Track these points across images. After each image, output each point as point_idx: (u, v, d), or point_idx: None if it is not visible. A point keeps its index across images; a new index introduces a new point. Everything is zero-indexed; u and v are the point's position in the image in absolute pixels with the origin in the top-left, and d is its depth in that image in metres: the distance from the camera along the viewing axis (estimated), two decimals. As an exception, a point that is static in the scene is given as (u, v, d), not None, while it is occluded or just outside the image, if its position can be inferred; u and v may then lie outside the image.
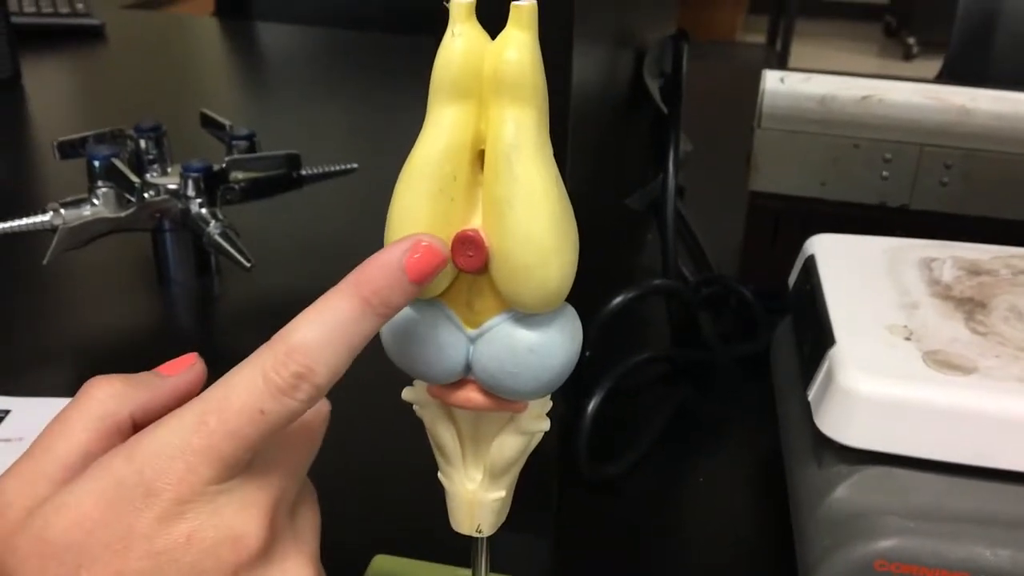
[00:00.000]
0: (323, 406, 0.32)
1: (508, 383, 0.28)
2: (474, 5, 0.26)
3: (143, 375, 0.31)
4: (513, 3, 0.25)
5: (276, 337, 0.27)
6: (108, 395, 0.29)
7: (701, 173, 0.72)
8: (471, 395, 0.29)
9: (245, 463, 0.28)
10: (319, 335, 0.27)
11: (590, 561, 0.48)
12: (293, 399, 0.27)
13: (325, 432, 0.32)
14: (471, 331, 0.29)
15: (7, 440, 0.53)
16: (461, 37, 0.26)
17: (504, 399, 0.29)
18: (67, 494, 0.27)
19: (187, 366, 0.31)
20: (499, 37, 0.26)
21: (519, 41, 0.26)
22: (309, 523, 0.31)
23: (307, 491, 0.32)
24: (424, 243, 0.27)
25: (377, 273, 0.27)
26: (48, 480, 0.28)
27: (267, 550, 0.28)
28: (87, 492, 0.27)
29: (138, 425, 0.29)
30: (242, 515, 0.27)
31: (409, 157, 0.27)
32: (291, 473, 0.30)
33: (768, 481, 0.52)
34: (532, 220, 0.26)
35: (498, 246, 0.27)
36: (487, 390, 0.29)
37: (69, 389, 0.57)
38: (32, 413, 0.55)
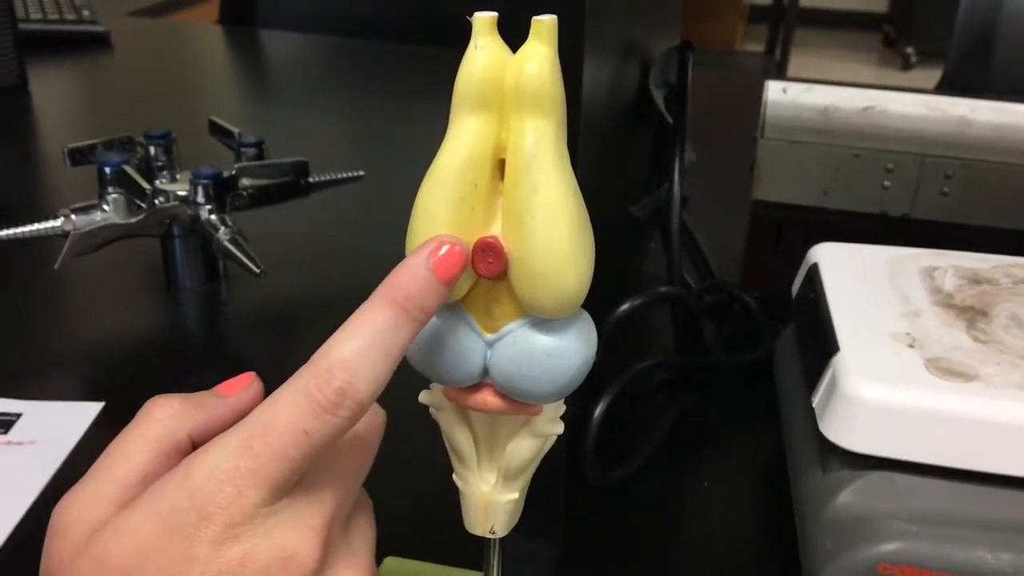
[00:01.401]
0: (376, 416, 0.32)
1: (525, 387, 0.29)
2: (496, 19, 0.27)
3: (201, 395, 0.31)
4: (534, 18, 0.26)
5: (316, 355, 0.28)
6: (168, 415, 0.30)
7: (703, 182, 0.73)
8: (488, 398, 0.30)
9: (294, 483, 0.28)
10: (358, 349, 0.27)
11: (596, 564, 0.48)
12: (336, 416, 0.27)
13: (380, 443, 0.32)
14: (489, 336, 0.29)
15: (19, 443, 0.53)
16: (484, 50, 0.27)
17: (520, 402, 0.30)
18: (126, 518, 0.27)
19: (244, 386, 0.32)
20: (520, 50, 0.27)
21: (540, 54, 0.26)
22: (364, 535, 0.31)
23: (362, 502, 0.32)
24: (446, 243, 0.28)
25: (408, 278, 0.28)
26: (110, 501, 0.28)
27: (321, 568, 0.28)
28: (144, 518, 0.27)
29: (196, 445, 0.29)
30: (295, 535, 0.28)
31: (432, 166, 0.28)
32: (344, 488, 0.30)
33: (771, 486, 0.52)
34: (551, 228, 0.27)
35: (517, 253, 0.28)
36: (504, 393, 0.30)
37: (80, 393, 0.58)
38: (43, 416, 0.56)
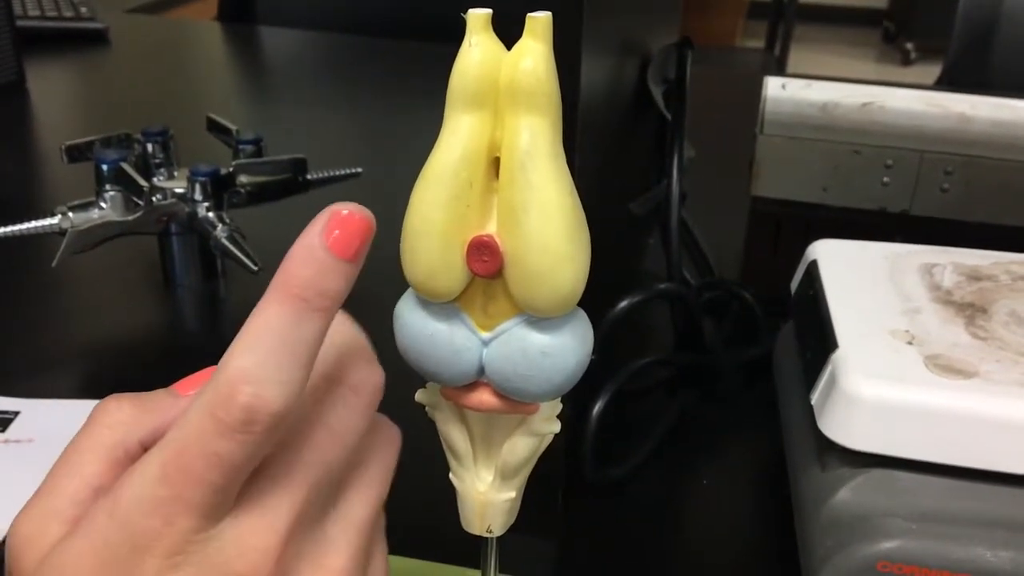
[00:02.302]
0: (333, 396, 0.28)
1: (521, 385, 0.29)
2: (490, 17, 0.27)
3: (156, 394, 0.29)
4: (529, 14, 0.26)
5: (217, 369, 0.25)
6: (117, 421, 0.28)
7: (702, 178, 0.73)
8: (484, 397, 0.30)
9: (226, 505, 0.26)
10: (258, 356, 0.25)
11: (594, 563, 0.48)
12: (250, 434, 0.24)
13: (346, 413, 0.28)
14: (485, 334, 0.29)
15: (17, 441, 0.53)
16: (478, 47, 0.26)
17: (516, 401, 0.30)
18: (65, 551, 0.26)
19: (203, 383, 0.28)
20: (515, 47, 0.27)
21: (535, 51, 0.26)
22: (350, 516, 0.29)
23: (358, 478, 0.29)
24: (344, 213, 0.25)
25: (301, 264, 0.25)
26: (59, 521, 0.27)
27: None
28: (80, 551, 0.25)
29: (148, 450, 0.27)
30: (241, 558, 0.26)
31: (426, 164, 0.28)
32: (305, 487, 0.27)
33: (771, 484, 0.52)
34: (546, 226, 0.27)
35: (512, 251, 0.27)
36: (500, 392, 0.30)
37: (77, 391, 0.58)
38: (41, 414, 0.56)
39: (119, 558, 0.25)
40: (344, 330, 0.29)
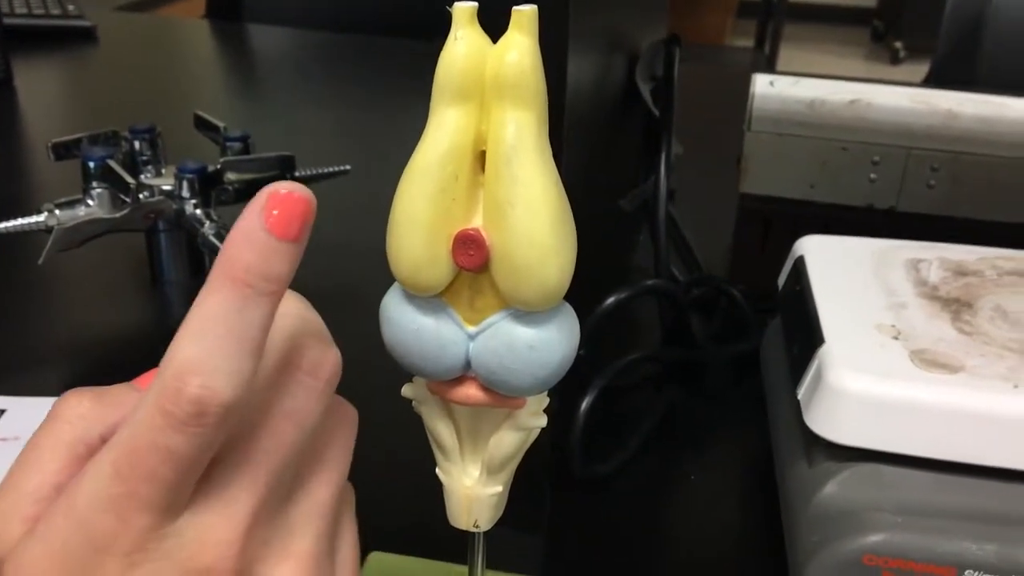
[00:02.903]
0: (293, 384, 0.28)
1: (507, 379, 0.29)
2: (476, 10, 0.27)
3: (117, 388, 0.28)
4: (515, 8, 0.26)
5: (163, 361, 0.24)
6: (77, 416, 0.27)
7: (691, 175, 0.73)
8: (471, 391, 0.30)
9: (182, 499, 0.25)
10: (204, 346, 0.24)
11: (582, 558, 0.48)
12: (200, 426, 0.24)
13: (299, 433, 0.28)
14: (471, 328, 0.29)
15: (3, 439, 0.53)
16: (463, 41, 0.26)
17: (503, 395, 0.30)
18: (25, 552, 0.25)
19: None
20: (500, 41, 0.27)
21: (520, 45, 0.26)
22: (310, 510, 0.28)
23: (314, 469, 0.29)
24: (282, 192, 0.25)
25: (242, 248, 0.24)
26: (20, 519, 0.26)
27: (245, 572, 0.26)
28: (40, 553, 0.25)
29: None
30: (201, 553, 0.25)
31: (412, 158, 0.28)
32: (263, 480, 0.26)
33: (758, 479, 0.52)
34: (532, 220, 0.27)
35: (499, 245, 0.27)
36: (486, 386, 0.30)
37: (64, 388, 0.57)
38: (27, 412, 0.56)
39: (79, 559, 0.25)
40: (295, 312, 0.29)
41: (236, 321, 0.24)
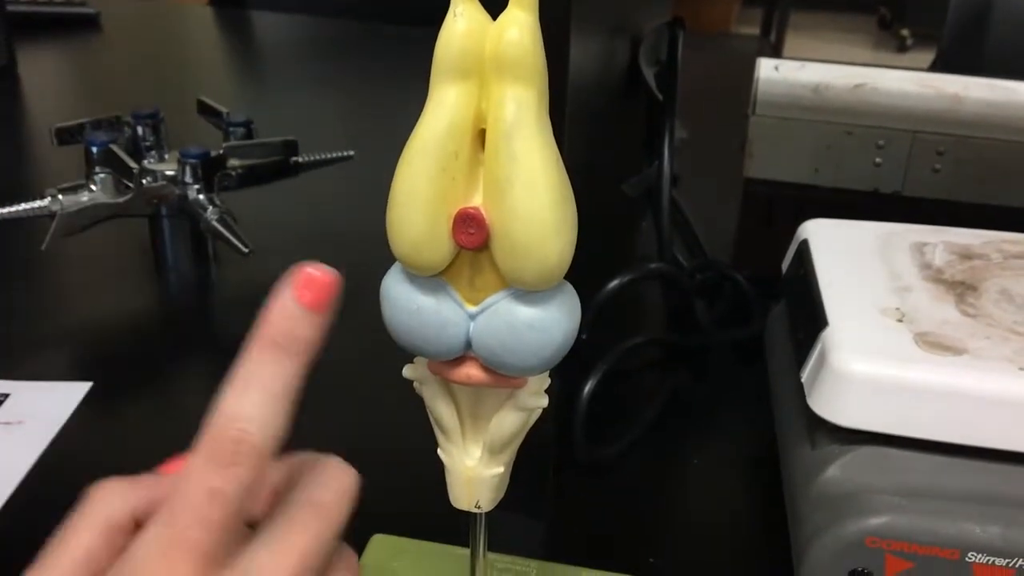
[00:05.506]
0: (339, 474, 0.31)
1: (508, 359, 0.29)
2: (476, -14, 0.26)
3: (146, 476, 0.31)
4: (514, -16, 0.26)
5: (211, 415, 0.28)
6: (110, 494, 0.30)
7: (696, 160, 0.73)
8: (471, 371, 0.30)
9: (224, 548, 0.27)
10: (244, 401, 0.28)
11: (583, 540, 0.48)
12: (238, 466, 0.27)
13: (347, 505, 0.31)
14: (472, 308, 0.29)
15: (7, 423, 0.53)
16: (463, 17, 0.26)
17: (504, 375, 0.30)
18: None
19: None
20: (500, 17, 0.26)
21: (520, 21, 0.26)
22: None
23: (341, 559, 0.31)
24: (312, 273, 0.29)
25: (278, 317, 0.29)
26: None
27: None
28: None
29: (141, 525, 0.29)
30: None
31: (411, 136, 0.27)
32: (301, 552, 0.29)
33: (761, 463, 0.52)
34: (532, 198, 0.27)
35: (499, 224, 0.27)
36: (487, 366, 0.30)
37: (67, 373, 0.58)
38: (32, 396, 0.56)
39: None
40: (351, 488, 0.31)
41: (270, 380, 0.28)
